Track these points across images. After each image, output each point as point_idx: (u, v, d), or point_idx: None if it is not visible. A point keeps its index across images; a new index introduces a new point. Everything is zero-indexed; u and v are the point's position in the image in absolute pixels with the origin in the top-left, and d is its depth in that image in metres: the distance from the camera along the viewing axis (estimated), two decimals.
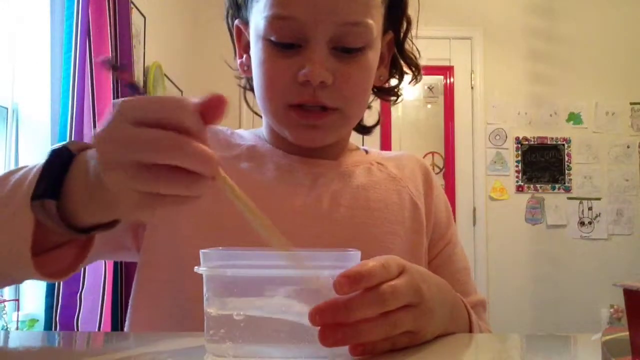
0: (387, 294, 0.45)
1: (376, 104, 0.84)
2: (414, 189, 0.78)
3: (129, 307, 0.71)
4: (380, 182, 0.76)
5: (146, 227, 0.70)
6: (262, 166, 0.73)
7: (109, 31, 1.87)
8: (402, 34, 0.77)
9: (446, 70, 3.82)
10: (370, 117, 0.84)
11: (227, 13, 0.78)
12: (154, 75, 2.52)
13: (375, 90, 0.80)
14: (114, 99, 1.89)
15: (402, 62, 0.79)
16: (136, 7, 2.31)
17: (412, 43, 0.79)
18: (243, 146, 0.75)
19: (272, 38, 0.66)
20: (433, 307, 0.50)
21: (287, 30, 0.65)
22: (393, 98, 0.83)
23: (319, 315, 0.42)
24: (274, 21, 0.65)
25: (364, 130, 0.84)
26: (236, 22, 0.76)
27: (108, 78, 1.86)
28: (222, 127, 0.79)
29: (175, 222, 0.69)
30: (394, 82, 0.81)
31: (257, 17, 0.68)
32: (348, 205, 0.72)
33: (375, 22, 0.67)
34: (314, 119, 0.68)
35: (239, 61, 0.77)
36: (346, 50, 0.66)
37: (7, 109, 1.72)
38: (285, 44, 0.66)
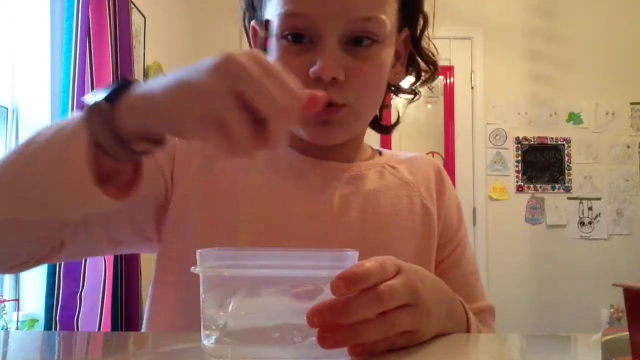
0: (384, 294, 0.45)
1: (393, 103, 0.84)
2: (426, 193, 0.77)
3: (148, 300, 0.72)
4: (392, 187, 0.75)
5: (166, 220, 0.70)
6: (276, 165, 0.73)
7: (109, 31, 1.87)
8: (418, 32, 0.77)
9: (446, 70, 3.82)
10: (390, 116, 0.84)
11: (244, 15, 0.79)
12: (154, 75, 2.52)
13: (392, 88, 0.79)
14: None
15: (419, 60, 0.79)
16: (136, 7, 2.31)
17: (430, 40, 0.79)
18: None
19: (285, 34, 0.67)
20: (430, 306, 0.51)
21: (299, 27, 0.66)
22: (410, 97, 0.82)
23: (317, 316, 0.42)
24: (286, 18, 0.66)
25: (382, 129, 0.83)
26: (252, 23, 0.77)
27: (108, 78, 1.86)
28: None
29: (193, 220, 0.69)
30: (411, 80, 0.81)
31: (271, 16, 0.69)
32: (358, 210, 0.72)
33: (388, 18, 0.67)
34: (326, 115, 0.67)
35: None
36: (358, 46, 0.66)
37: (7, 109, 1.72)
38: (297, 41, 0.66)
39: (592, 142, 3.82)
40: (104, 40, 1.85)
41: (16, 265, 0.61)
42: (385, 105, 0.83)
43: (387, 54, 0.70)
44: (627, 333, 0.39)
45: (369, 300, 0.44)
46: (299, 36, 0.67)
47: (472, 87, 3.83)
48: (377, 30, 0.67)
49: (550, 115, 3.83)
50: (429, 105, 3.92)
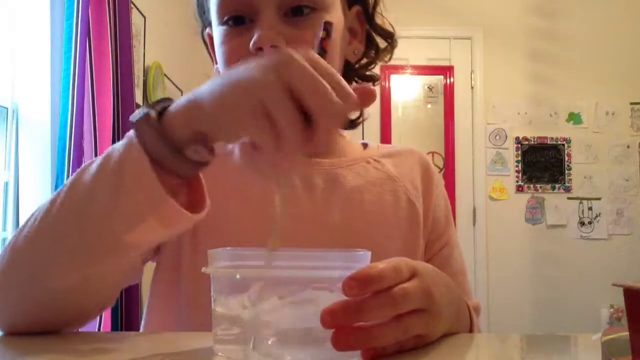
0: (398, 297, 0.44)
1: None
2: (411, 188, 0.76)
3: (145, 307, 0.72)
4: (376, 183, 0.74)
5: None
6: (255, 162, 0.72)
7: (109, 31, 1.87)
8: (370, 9, 0.77)
9: (446, 70, 3.82)
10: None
11: (202, 30, 0.79)
12: (154, 75, 2.51)
13: (348, 70, 0.79)
14: (114, 99, 1.88)
15: (376, 37, 0.79)
16: (136, 7, 2.31)
17: (383, 17, 0.78)
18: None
19: (225, 20, 0.68)
20: (442, 310, 0.50)
21: (235, 6, 0.67)
22: (370, 82, 0.81)
23: (330, 316, 0.41)
24: (223, 3, 0.67)
25: (348, 123, 0.83)
26: (207, 31, 0.77)
27: (108, 78, 1.86)
28: None
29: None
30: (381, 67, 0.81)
31: (212, 9, 0.70)
32: (341, 209, 0.71)
33: None
34: None
35: (215, 67, 0.78)
36: (295, 13, 0.66)
37: (7, 109, 1.72)
38: (237, 22, 0.67)
39: (592, 142, 3.82)
40: (104, 40, 1.85)
41: (82, 320, 0.59)
42: None
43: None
44: (627, 333, 0.39)
45: (383, 302, 0.44)
46: (238, 19, 0.67)
47: (472, 87, 3.83)
48: None
49: (550, 115, 3.83)
50: (429, 105, 3.92)
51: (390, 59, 0.81)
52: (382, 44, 0.80)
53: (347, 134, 0.84)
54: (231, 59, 0.68)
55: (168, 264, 0.69)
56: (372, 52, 0.79)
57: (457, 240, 0.80)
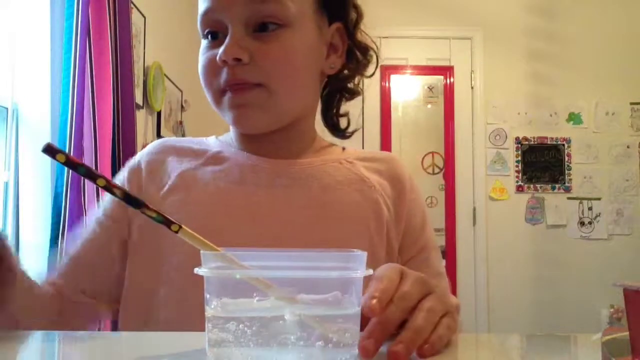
0: (406, 297, 0.48)
1: (354, 109, 0.85)
2: (381, 190, 0.77)
3: (120, 307, 0.73)
4: (344, 182, 0.76)
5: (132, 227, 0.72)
6: (226, 170, 0.75)
7: (109, 31, 1.87)
8: (352, 26, 0.79)
9: (446, 70, 3.82)
10: (344, 120, 0.85)
11: None
12: (154, 75, 2.51)
13: (333, 83, 0.81)
14: (114, 99, 1.89)
15: (357, 52, 0.80)
16: (136, 7, 2.31)
17: (366, 34, 0.81)
18: (209, 152, 0.77)
19: (205, 34, 0.73)
20: (441, 291, 0.53)
21: (210, 23, 0.71)
22: (349, 95, 0.83)
23: (374, 339, 0.44)
24: (202, 19, 0.72)
25: (339, 133, 0.85)
26: None
27: (108, 78, 1.86)
28: (187, 137, 0.84)
29: (147, 236, 0.72)
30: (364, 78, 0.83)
31: (198, 25, 0.74)
32: (303, 206, 0.72)
33: (292, 3, 0.70)
34: (239, 96, 0.70)
35: None
36: (262, 29, 0.69)
37: (7, 109, 1.72)
38: (214, 37, 0.72)
39: (592, 142, 3.82)
40: (104, 40, 1.85)
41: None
42: (342, 114, 0.84)
43: (298, 38, 0.71)
44: (627, 333, 0.39)
45: (397, 308, 0.46)
46: (215, 34, 0.72)
47: (472, 87, 3.83)
48: (278, 12, 0.69)
49: (550, 115, 3.83)
50: (429, 105, 3.92)
51: (373, 74, 0.84)
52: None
53: (335, 140, 0.85)
54: (205, 70, 0.73)
55: (144, 265, 0.72)
56: (353, 65, 0.81)
57: (435, 243, 0.82)
